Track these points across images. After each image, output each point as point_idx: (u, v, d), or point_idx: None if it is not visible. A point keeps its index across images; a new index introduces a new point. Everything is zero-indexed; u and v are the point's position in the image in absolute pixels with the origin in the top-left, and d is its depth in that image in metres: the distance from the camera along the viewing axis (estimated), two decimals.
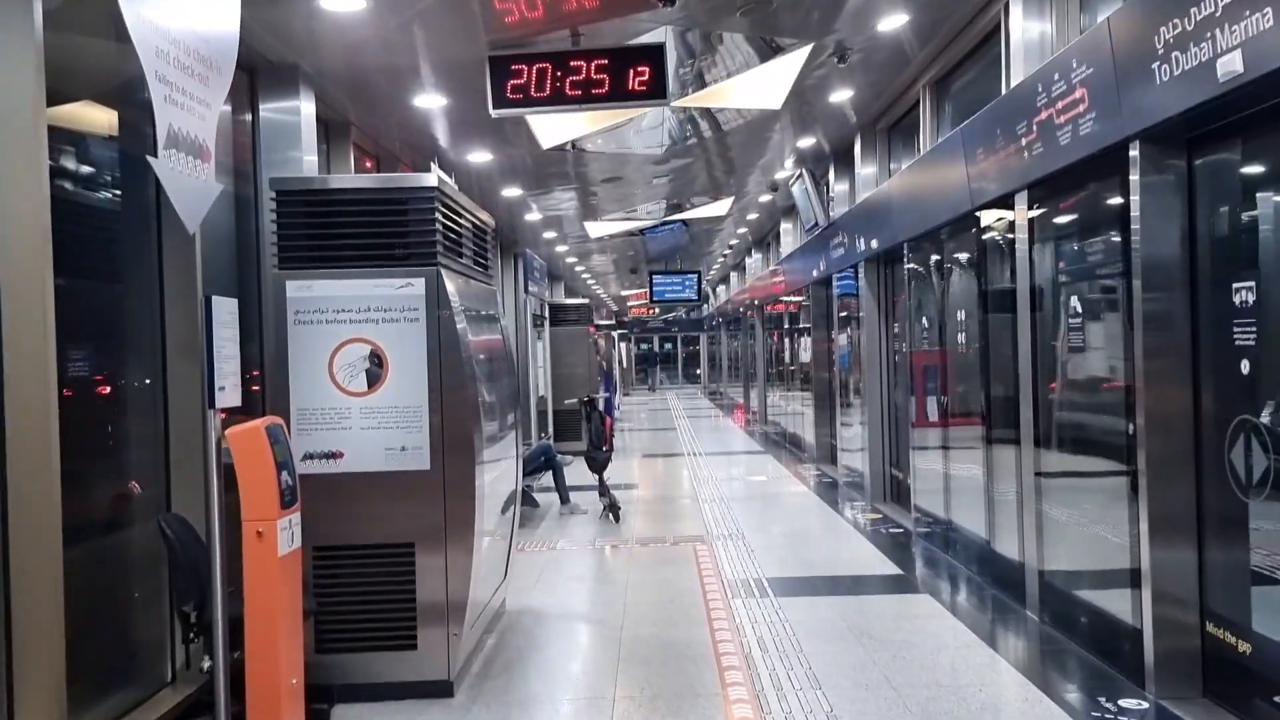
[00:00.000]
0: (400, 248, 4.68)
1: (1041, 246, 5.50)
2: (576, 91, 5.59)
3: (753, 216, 15.78)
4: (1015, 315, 5.77)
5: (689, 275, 20.72)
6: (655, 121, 9.09)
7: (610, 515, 9.26)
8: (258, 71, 5.77)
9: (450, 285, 4.71)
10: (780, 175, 11.90)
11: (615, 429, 12.62)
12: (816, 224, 11.21)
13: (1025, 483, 5.65)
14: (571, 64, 5.57)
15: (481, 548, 4.86)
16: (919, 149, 8.42)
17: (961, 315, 6.85)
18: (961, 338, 6.84)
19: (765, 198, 13.64)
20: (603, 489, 9.49)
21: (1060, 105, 4.82)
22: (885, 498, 9.73)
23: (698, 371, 42.73)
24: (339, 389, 4.61)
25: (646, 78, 5.55)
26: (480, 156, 8.75)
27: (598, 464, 9.58)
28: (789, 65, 7.05)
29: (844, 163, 11.06)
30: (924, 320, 7.76)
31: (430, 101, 6.86)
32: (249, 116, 5.84)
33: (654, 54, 5.56)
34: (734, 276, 25.52)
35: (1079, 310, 5.05)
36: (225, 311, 3.74)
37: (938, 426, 7.49)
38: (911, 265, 8.10)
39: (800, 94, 7.95)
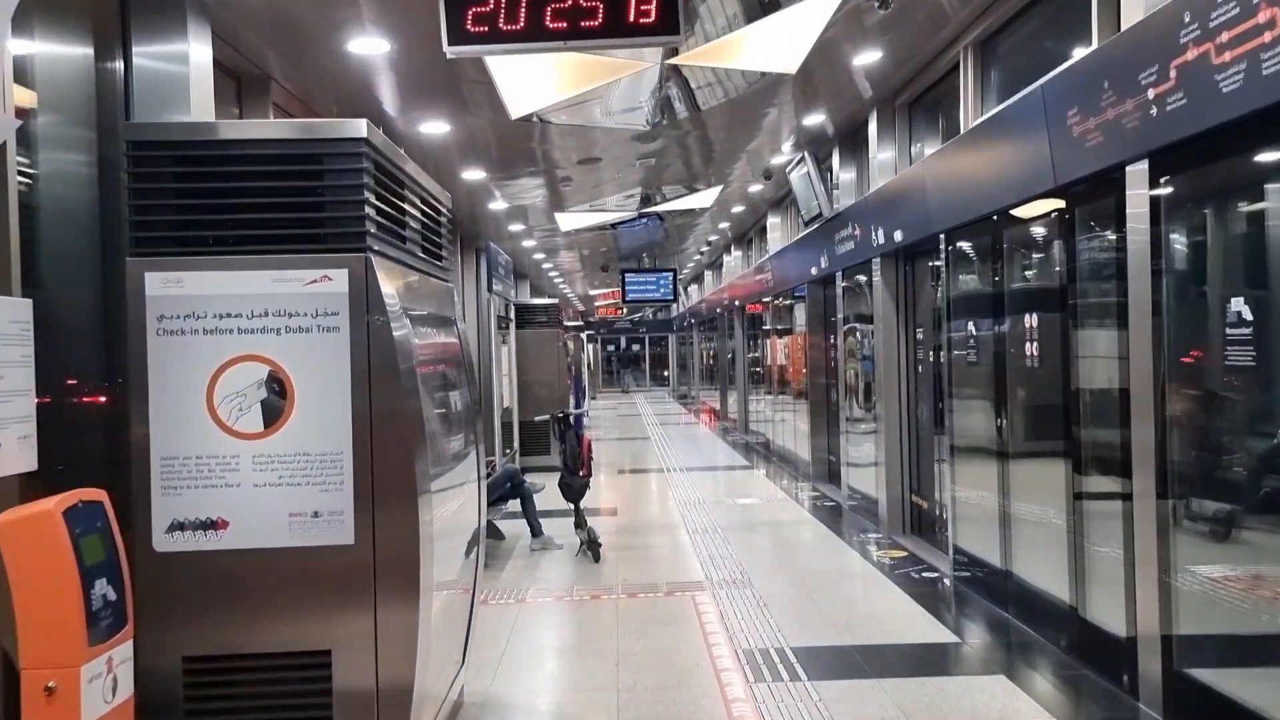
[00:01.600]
0: (314, 225, 3.28)
1: (1176, 232, 4.21)
2: (560, 23, 4.19)
3: (738, 209, 14.48)
4: (1123, 319, 4.48)
5: (663, 274, 19.38)
6: (641, 93, 7.72)
7: (589, 553, 7.88)
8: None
9: (387, 279, 3.32)
10: (777, 161, 10.59)
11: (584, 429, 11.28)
12: (819, 215, 9.92)
13: (1142, 535, 4.36)
14: None
15: (428, 644, 3.48)
16: (955, 124, 7.13)
17: (1031, 320, 5.56)
18: (1031, 347, 5.54)
19: (755, 187, 12.34)
20: (579, 520, 8.12)
21: (1225, 38, 3.52)
22: (905, 529, 8.45)
23: (665, 374, 41.45)
24: (222, 428, 3.20)
25: (653, 6, 4.18)
26: (435, 127, 7.32)
27: (574, 492, 8.20)
28: (820, 9, 5.71)
29: (851, 146, 9.78)
30: (970, 325, 6.46)
31: (370, 46, 5.42)
32: (119, 63, 4.37)
33: None
34: (709, 275, 24.23)
35: (1244, 316, 3.76)
36: (5, 320, 2.33)
37: (989, 451, 6.20)
38: (951, 261, 6.80)
39: (822, 54, 6.62)
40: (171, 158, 3.25)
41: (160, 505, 3.17)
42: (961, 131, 6.63)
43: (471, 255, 13.45)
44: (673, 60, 6.27)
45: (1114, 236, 4.65)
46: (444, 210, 4.60)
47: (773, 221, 14.36)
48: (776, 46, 6.43)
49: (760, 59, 6.59)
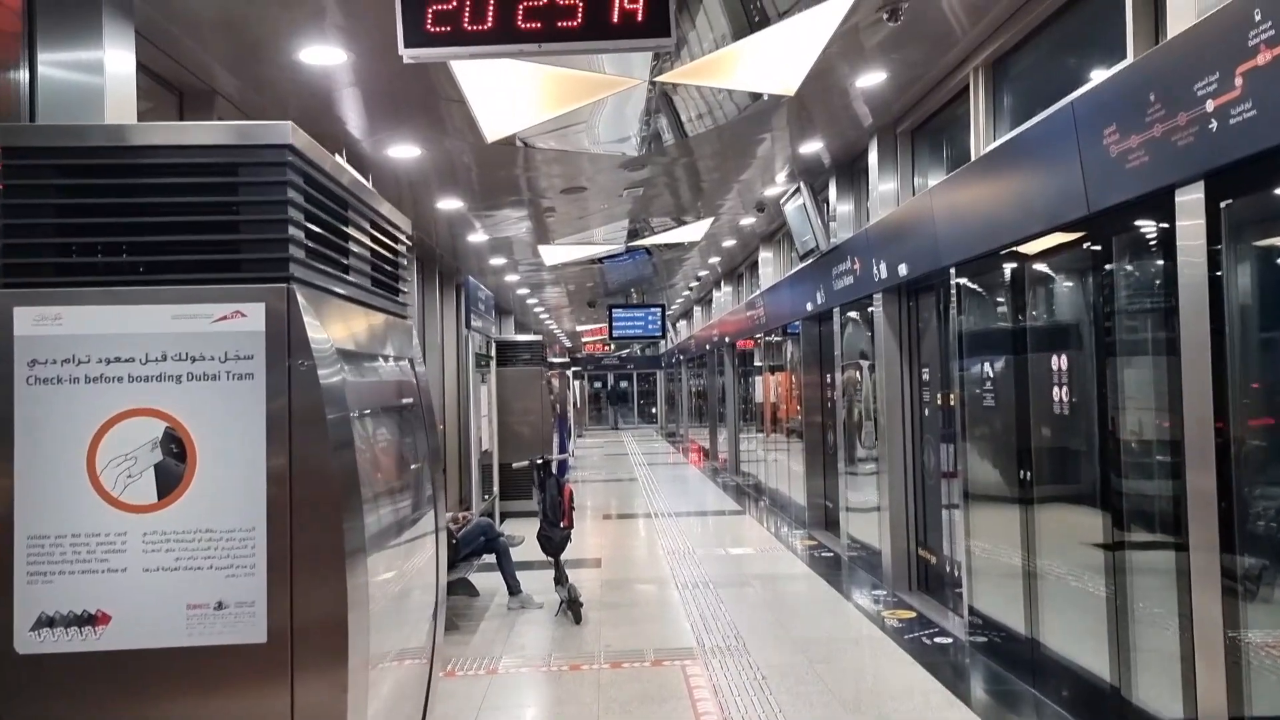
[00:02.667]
0: (227, 250, 2.69)
1: (1238, 262, 3.67)
2: (533, 23, 3.67)
3: (728, 243, 13.99)
4: (1174, 357, 3.94)
5: (651, 309, 18.85)
6: (628, 116, 7.21)
7: (569, 613, 7.24)
8: None
9: (317, 315, 2.73)
10: (770, 192, 10.10)
11: (568, 471, 10.54)
12: (815, 249, 9.41)
13: (1202, 598, 3.77)
14: None
15: None
16: (962, 152, 6.64)
17: (1059, 359, 5.00)
18: (1060, 390, 4.98)
19: (747, 220, 11.85)
20: (560, 576, 7.49)
21: None
22: (912, 585, 7.84)
23: (653, 411, 40.83)
24: (106, 499, 2.60)
25: (640, 5, 3.65)
26: (405, 151, 6.77)
27: (554, 545, 7.57)
28: (823, 22, 5.21)
29: (849, 177, 9.30)
30: (986, 365, 5.91)
31: (326, 55, 4.87)
32: (22, 72, 3.81)
33: None
34: (698, 311, 23.72)
35: None
36: None
37: (1009, 500, 5.62)
38: (964, 296, 6.27)
39: (822, 76, 6.13)
40: (53, 167, 2.66)
41: (24, 596, 2.55)
42: (971, 159, 6.13)
43: (451, 290, 12.89)
44: (662, 77, 5.76)
45: (1161, 268, 4.12)
46: (402, 237, 4.03)
47: (764, 256, 13.86)
48: (775, 65, 5.93)
49: (757, 79, 6.09)
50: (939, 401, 7.27)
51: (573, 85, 5.73)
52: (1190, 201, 3.70)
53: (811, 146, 8.37)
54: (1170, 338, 4.00)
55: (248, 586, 2.62)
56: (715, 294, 19.75)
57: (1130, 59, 4.32)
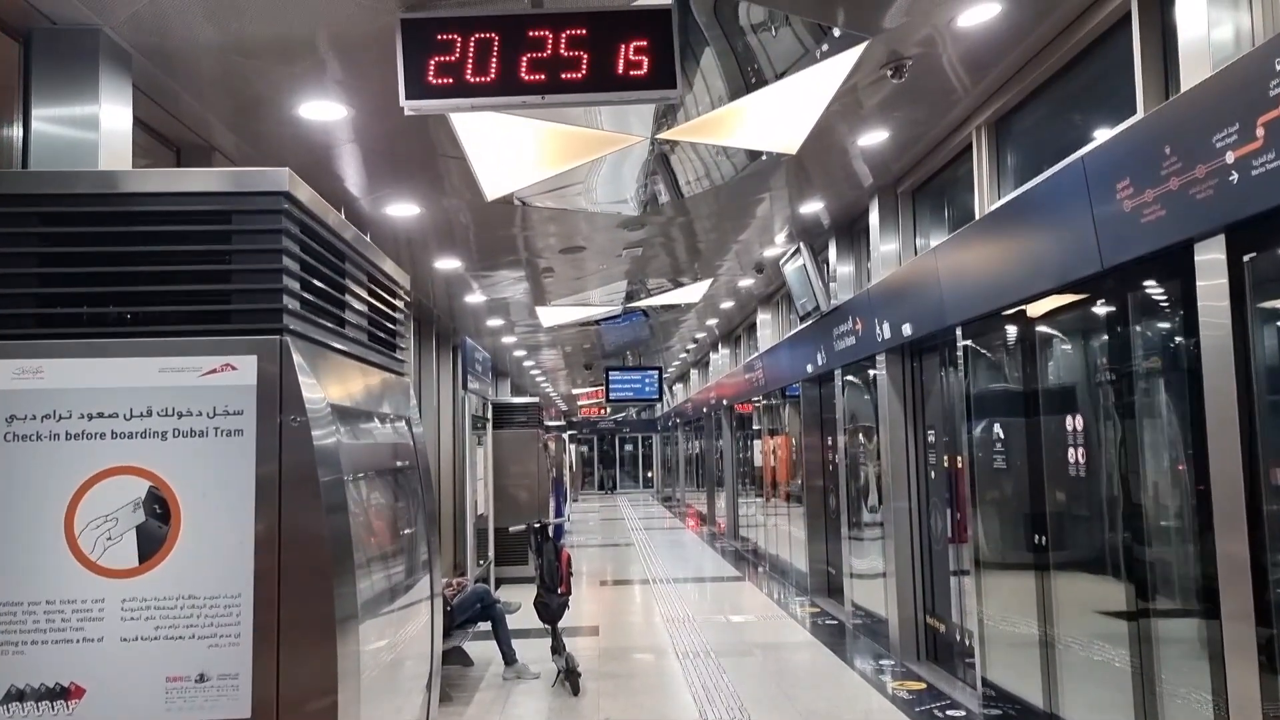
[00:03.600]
0: (217, 300, 2.58)
1: (1264, 318, 3.57)
2: (537, 75, 3.61)
3: (726, 305, 13.93)
4: (1198, 417, 3.81)
5: (649, 372, 18.77)
6: (627, 176, 7.19)
7: (567, 683, 6.98)
8: (33, 40, 3.70)
9: (311, 369, 2.61)
10: (769, 253, 10.06)
11: (564, 535, 10.26)
12: (816, 309, 9.33)
13: (1237, 679, 3.58)
14: (531, 34, 3.61)
15: None
16: (965, 212, 6.60)
17: (1075, 421, 4.88)
18: (1076, 451, 4.85)
19: (746, 281, 11.80)
20: (557, 644, 7.24)
21: None
22: (920, 655, 7.60)
23: (649, 475, 40.48)
24: (83, 563, 2.45)
25: (645, 56, 3.60)
26: (404, 209, 6.71)
27: (551, 612, 7.34)
28: (826, 80, 5.19)
29: (849, 238, 9.27)
30: (996, 427, 5.79)
31: (326, 110, 4.82)
32: (16, 128, 3.73)
33: (656, 22, 3.62)
34: (694, 374, 23.63)
35: None
36: None
37: (1024, 566, 5.44)
38: (971, 357, 6.17)
39: (823, 135, 6.10)
40: (37, 215, 2.56)
41: None
42: (976, 217, 6.08)
43: (448, 351, 12.79)
44: (664, 134, 5.72)
45: (1181, 325, 4.02)
46: (400, 293, 3.93)
47: (763, 318, 13.80)
48: (776, 124, 5.90)
49: (759, 137, 6.06)
50: (945, 464, 7.12)
51: (573, 142, 5.69)
52: (1211, 256, 3.62)
53: (811, 207, 8.34)
54: (1193, 397, 3.88)
55: (231, 657, 2.46)
56: (712, 356, 19.67)
57: (1140, 114, 4.28)
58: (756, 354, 13.54)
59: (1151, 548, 4.29)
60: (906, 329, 7.09)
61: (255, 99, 4.58)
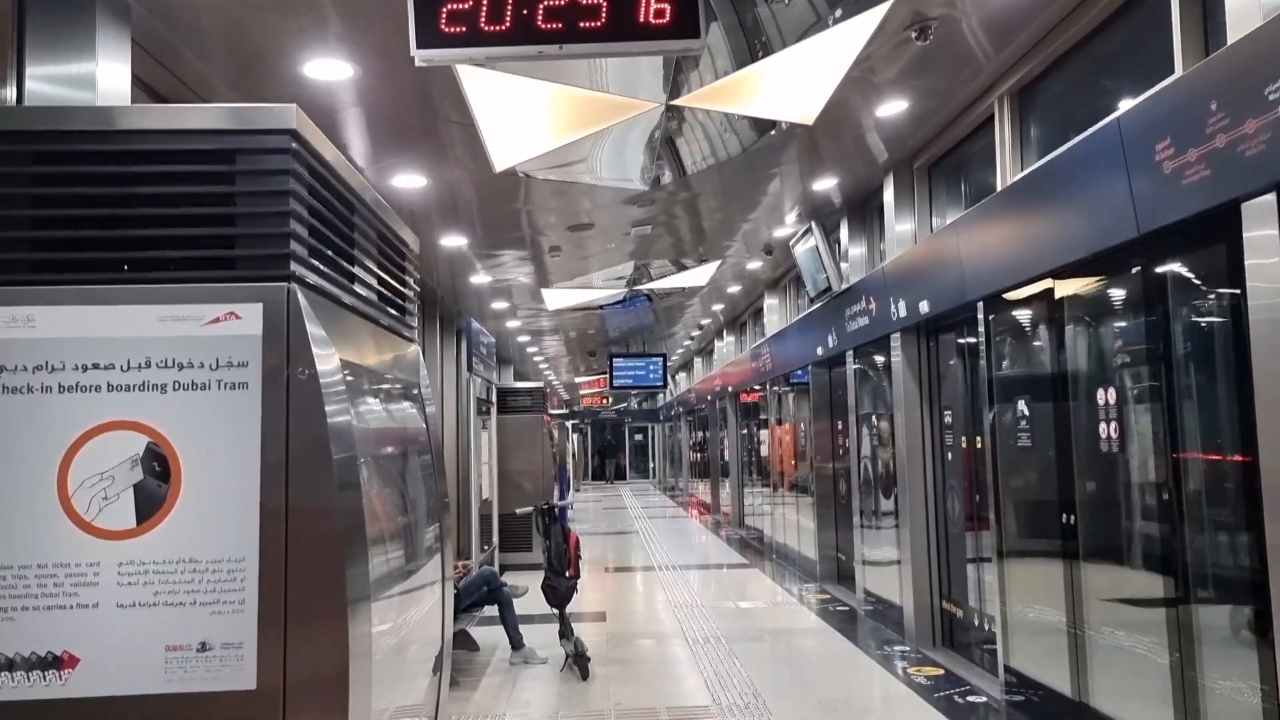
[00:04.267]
0: (221, 245, 2.42)
1: None
2: (554, 23, 3.44)
3: (733, 289, 13.77)
4: (1244, 390, 3.65)
5: (653, 359, 18.61)
6: (637, 149, 7.02)
7: (575, 668, 6.84)
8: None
9: (320, 323, 2.45)
10: (779, 233, 9.89)
11: (569, 520, 10.03)
12: (828, 290, 9.17)
13: None
14: None
15: None
16: (984, 186, 6.44)
17: (1107, 394, 4.72)
18: (1109, 427, 4.69)
19: (754, 264, 11.64)
20: (565, 629, 7.09)
21: None
22: (936, 641, 7.45)
23: (651, 465, 40.37)
24: (78, 523, 2.29)
25: (668, 4, 3.44)
26: (411, 180, 6.54)
27: (559, 595, 7.19)
28: (847, 45, 5.02)
29: (861, 217, 9.10)
30: (1021, 404, 5.63)
31: (330, 70, 4.64)
32: (9, 89, 3.55)
33: None
34: (698, 363, 23.48)
35: None
36: None
37: (1051, 553, 5.29)
38: (993, 332, 6.01)
39: (842, 104, 5.93)
40: (30, 154, 2.40)
41: None
42: (998, 189, 5.91)
43: (451, 335, 12.63)
44: (679, 100, 5.55)
45: (1225, 290, 3.86)
46: (410, 257, 3.77)
47: (770, 303, 13.64)
48: (794, 91, 5.73)
49: (775, 105, 5.88)
50: (963, 445, 6.97)
51: (584, 109, 5.52)
52: (1260, 214, 3.45)
53: (824, 184, 8.18)
54: (1238, 369, 3.72)
55: (235, 625, 2.30)
56: (717, 344, 19.52)
57: (1179, 73, 4.11)
58: (763, 339, 13.38)
59: (1191, 532, 4.14)
60: (924, 306, 6.93)
61: (258, 56, 4.42)
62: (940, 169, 7.58)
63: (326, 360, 2.42)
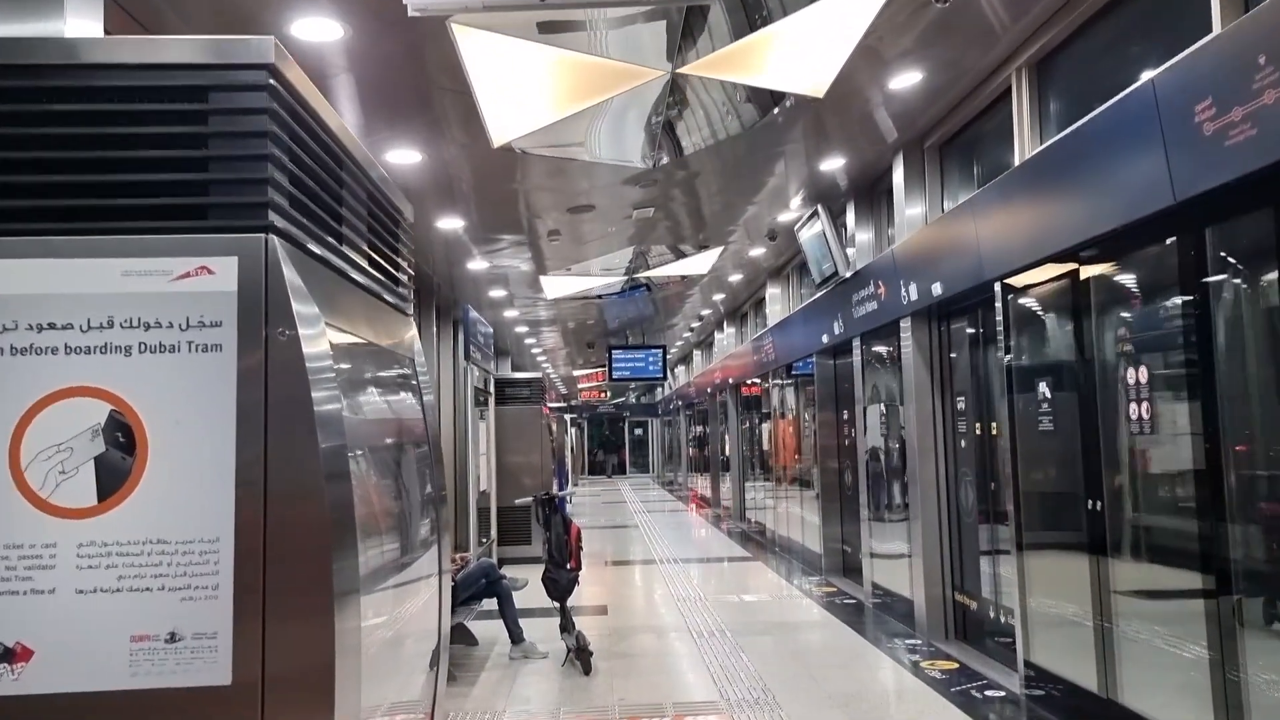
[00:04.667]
0: (192, 191, 2.18)
1: None
2: None
3: (734, 278, 13.54)
4: None
5: (652, 350, 18.36)
6: (640, 123, 6.78)
7: (577, 662, 6.61)
8: None
9: (300, 277, 2.22)
10: (784, 218, 9.66)
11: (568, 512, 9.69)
12: (834, 275, 8.94)
13: None
14: None
15: None
16: (998, 165, 6.21)
17: (1138, 373, 4.49)
18: (1139, 407, 4.47)
19: (757, 251, 11.41)
20: (566, 623, 6.87)
21: None
22: (948, 633, 7.24)
23: (649, 459, 40.18)
24: (31, 500, 2.06)
25: None
26: (405, 156, 6.29)
27: (559, 589, 6.96)
28: (862, 9, 4.78)
29: (868, 201, 8.87)
30: (1042, 388, 5.41)
31: (319, 30, 4.39)
32: None
33: None
34: (697, 355, 23.25)
35: None
36: None
37: (1076, 544, 5.07)
38: (1012, 313, 5.78)
39: (854, 76, 5.70)
40: None
41: None
42: (1014, 166, 5.68)
43: (448, 325, 12.40)
44: (685, 69, 5.31)
45: (1273, 263, 3.63)
46: (404, 224, 3.53)
47: (772, 292, 13.41)
48: (804, 61, 5.49)
49: (784, 77, 5.65)
50: (977, 432, 6.75)
51: (586, 76, 5.27)
52: None
53: (831, 164, 7.94)
54: None
55: (208, 613, 2.07)
56: (717, 335, 19.30)
57: (1218, 29, 3.88)
58: (766, 328, 13.15)
59: (1232, 520, 3.91)
60: (936, 289, 6.70)
61: (243, 16, 4.17)
62: (952, 148, 7.35)
63: (310, 322, 2.19)
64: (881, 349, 8.66)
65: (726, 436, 18.36)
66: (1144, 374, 4.43)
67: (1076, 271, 5.01)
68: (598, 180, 7.49)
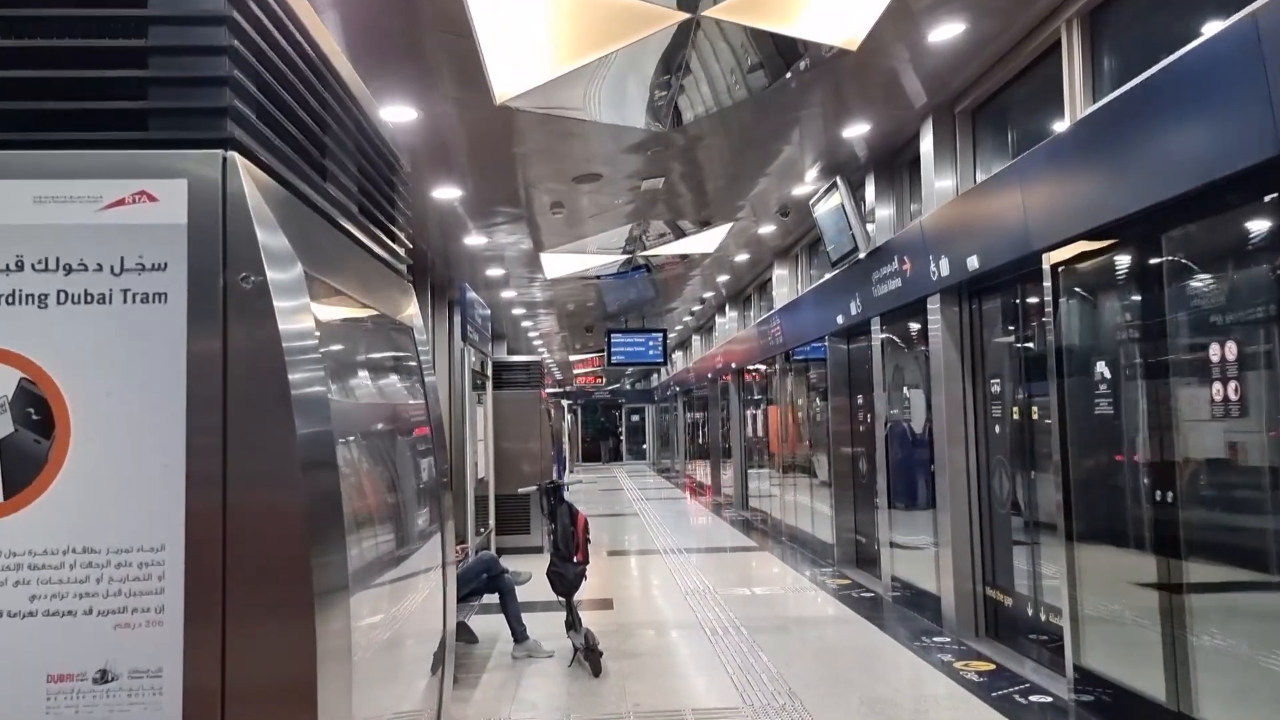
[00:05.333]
0: (119, 91, 1.68)
1: None
2: None
3: (740, 258, 13.05)
4: None
5: (652, 334, 17.88)
6: (651, 85, 6.29)
7: (586, 663, 6.15)
8: None
9: (270, 208, 1.72)
10: (799, 191, 9.17)
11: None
12: (853, 250, 8.45)
13: None
14: None
15: None
16: (1039, 131, 5.73)
17: (1223, 352, 4.02)
18: (1223, 388, 4.00)
19: (767, 228, 10.91)
20: (573, 620, 6.41)
21: None
22: (979, 631, 6.79)
23: (644, 446, 39.74)
24: None
25: None
26: (400, 113, 5.77)
27: (566, 584, 6.49)
28: None
29: (889, 174, 8.39)
30: (1100, 367, 4.94)
31: None
32: None
33: None
34: (697, 340, 22.77)
35: None
36: None
37: (1137, 539, 4.62)
38: (1063, 286, 5.31)
39: (893, 23, 5.21)
40: None
41: None
42: (1060, 128, 5.20)
43: (444, 306, 11.89)
44: (709, 11, 4.80)
45: None
46: (400, 170, 3.04)
47: (779, 273, 12.92)
48: (839, 9, 5.00)
49: (815, 26, 5.15)
50: (1014, 417, 6.29)
51: (601, 20, 4.77)
52: None
53: (854, 130, 7.44)
54: None
55: (152, 644, 1.60)
56: (718, 320, 18.81)
57: None
58: (773, 310, 12.67)
59: None
60: (973, 263, 6.22)
61: None
62: (986, 113, 6.86)
63: (282, 264, 1.70)
64: (904, 329, 8.19)
65: (728, 423, 17.91)
66: (1231, 351, 3.96)
67: (1145, 238, 4.54)
68: (604, 146, 6.99)
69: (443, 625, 3.05)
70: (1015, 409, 6.28)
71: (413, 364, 2.88)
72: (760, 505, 15.17)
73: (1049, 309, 5.40)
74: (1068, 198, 5.00)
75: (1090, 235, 4.87)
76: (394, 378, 2.64)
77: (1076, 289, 5.25)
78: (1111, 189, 4.59)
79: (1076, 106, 5.33)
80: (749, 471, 16.43)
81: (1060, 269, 5.27)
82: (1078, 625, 5.13)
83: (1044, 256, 5.37)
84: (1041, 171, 5.26)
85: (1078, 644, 5.13)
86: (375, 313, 2.49)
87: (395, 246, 2.93)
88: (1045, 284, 5.41)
